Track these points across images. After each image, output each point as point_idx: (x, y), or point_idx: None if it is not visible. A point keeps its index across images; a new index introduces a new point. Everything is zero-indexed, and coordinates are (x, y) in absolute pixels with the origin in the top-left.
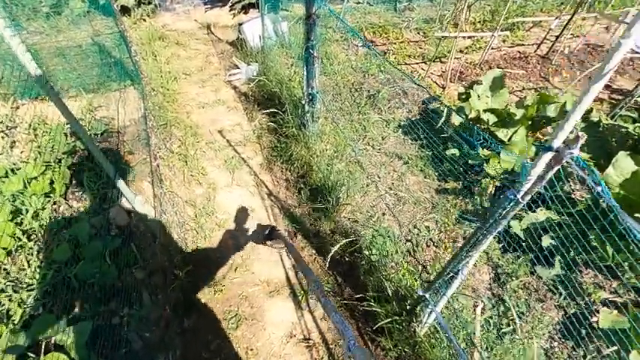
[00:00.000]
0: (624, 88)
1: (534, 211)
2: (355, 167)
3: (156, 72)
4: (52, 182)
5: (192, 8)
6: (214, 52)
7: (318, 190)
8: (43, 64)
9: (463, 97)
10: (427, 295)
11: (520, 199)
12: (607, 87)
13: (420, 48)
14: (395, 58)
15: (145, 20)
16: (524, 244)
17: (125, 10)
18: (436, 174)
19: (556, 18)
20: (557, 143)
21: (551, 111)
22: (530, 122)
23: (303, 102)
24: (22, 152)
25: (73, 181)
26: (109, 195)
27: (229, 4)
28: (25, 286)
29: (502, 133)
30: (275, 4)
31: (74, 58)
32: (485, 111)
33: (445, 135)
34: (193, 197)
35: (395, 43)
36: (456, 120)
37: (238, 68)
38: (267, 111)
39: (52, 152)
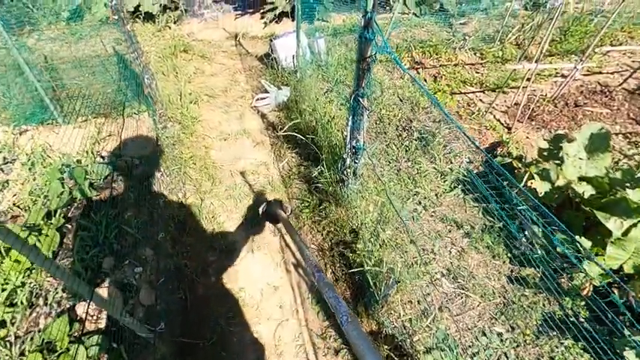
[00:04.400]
0: None
1: None
2: (404, 237)
3: (175, 93)
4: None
5: (221, 14)
6: (241, 68)
7: (358, 266)
8: (60, 79)
9: (545, 154)
10: None
11: None
12: None
13: (477, 72)
14: (448, 85)
15: (169, 28)
16: None
17: (149, 17)
18: (508, 254)
19: None
20: None
21: None
22: None
23: (345, 155)
24: (14, 196)
25: (64, 242)
26: (103, 265)
27: (261, 11)
28: None
29: (613, 224)
30: (312, 15)
31: (91, 71)
32: (580, 180)
33: (522, 207)
34: (206, 267)
35: (447, 66)
36: (541, 187)
37: (267, 92)
38: (300, 159)
39: (45, 202)
